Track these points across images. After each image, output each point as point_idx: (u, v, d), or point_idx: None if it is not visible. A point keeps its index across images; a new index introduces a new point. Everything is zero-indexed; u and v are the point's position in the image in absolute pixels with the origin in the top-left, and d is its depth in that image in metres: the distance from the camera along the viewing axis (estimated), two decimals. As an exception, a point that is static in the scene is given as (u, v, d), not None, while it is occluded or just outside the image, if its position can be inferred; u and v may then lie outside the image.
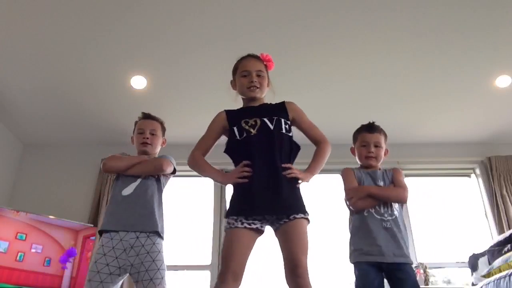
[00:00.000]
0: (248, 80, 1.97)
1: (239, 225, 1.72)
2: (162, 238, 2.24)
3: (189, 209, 4.29)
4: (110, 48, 3.24)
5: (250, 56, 2.05)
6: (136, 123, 2.56)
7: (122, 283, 2.30)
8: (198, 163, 1.96)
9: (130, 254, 2.13)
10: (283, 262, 1.69)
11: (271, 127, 1.85)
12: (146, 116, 2.54)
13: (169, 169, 2.37)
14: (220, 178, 1.91)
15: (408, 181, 4.43)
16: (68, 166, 4.30)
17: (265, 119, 1.87)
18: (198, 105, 3.86)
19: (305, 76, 3.52)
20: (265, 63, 2.05)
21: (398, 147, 4.26)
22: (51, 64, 3.38)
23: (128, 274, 2.19)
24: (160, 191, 2.36)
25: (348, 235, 2.28)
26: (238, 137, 1.87)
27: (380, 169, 2.39)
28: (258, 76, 1.98)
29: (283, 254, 1.70)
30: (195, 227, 4.18)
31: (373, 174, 2.33)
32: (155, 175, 2.36)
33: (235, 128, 1.90)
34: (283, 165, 1.78)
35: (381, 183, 2.30)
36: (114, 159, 2.36)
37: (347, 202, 2.30)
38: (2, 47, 3.18)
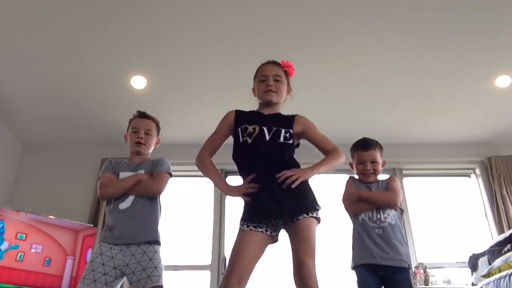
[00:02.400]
0: (265, 84, 1.98)
1: (252, 228, 1.76)
2: (159, 245, 2.22)
3: (189, 209, 4.29)
4: (110, 48, 3.24)
5: (269, 62, 2.07)
6: (130, 121, 2.48)
7: (122, 284, 2.27)
8: (205, 166, 1.96)
9: (126, 254, 2.12)
10: (292, 261, 1.71)
11: (267, 137, 1.86)
12: (142, 115, 2.47)
13: (166, 186, 2.32)
14: (225, 189, 1.92)
15: (408, 181, 4.46)
16: (68, 166, 4.30)
17: (264, 128, 1.88)
18: (198, 105, 3.86)
19: (306, 76, 3.51)
20: (285, 69, 2.06)
21: (398, 147, 4.27)
22: (51, 64, 3.38)
23: (125, 277, 2.16)
24: (156, 198, 2.31)
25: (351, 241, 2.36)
26: (240, 140, 1.89)
27: (378, 181, 2.45)
28: (276, 80, 1.99)
29: (292, 254, 1.72)
30: (195, 227, 4.19)
31: (370, 186, 2.41)
32: None
33: (239, 130, 1.91)
34: (277, 176, 1.77)
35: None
36: (109, 188, 2.25)
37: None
38: (2, 47, 3.18)
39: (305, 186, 1.82)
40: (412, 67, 3.48)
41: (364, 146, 2.44)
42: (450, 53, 3.32)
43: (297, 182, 1.76)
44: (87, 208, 4.02)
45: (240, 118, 1.97)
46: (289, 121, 1.96)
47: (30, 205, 3.79)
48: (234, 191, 1.87)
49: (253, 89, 2.09)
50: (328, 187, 4.05)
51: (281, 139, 1.86)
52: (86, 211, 4.00)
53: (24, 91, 3.66)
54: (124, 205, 2.21)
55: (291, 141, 1.89)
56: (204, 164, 1.96)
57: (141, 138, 2.39)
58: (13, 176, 4.21)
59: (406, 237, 2.35)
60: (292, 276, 1.67)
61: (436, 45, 3.25)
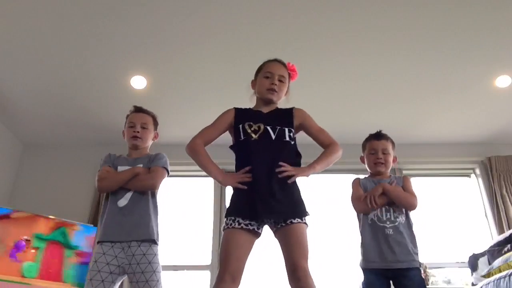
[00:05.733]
0: (269, 82, 2.00)
1: (236, 226, 1.75)
2: (157, 244, 2.23)
3: (189, 209, 4.29)
4: (110, 48, 3.24)
5: (276, 61, 2.09)
6: (127, 116, 2.51)
7: (122, 283, 2.28)
8: (198, 152, 1.92)
9: (128, 253, 2.15)
10: (284, 265, 1.71)
11: (273, 136, 1.88)
12: (138, 110, 2.50)
13: (162, 182, 2.34)
14: (220, 177, 1.89)
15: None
16: (68, 166, 4.29)
17: (269, 128, 1.89)
18: (198, 105, 3.86)
19: (305, 76, 3.49)
20: (289, 71, 2.08)
21: (398, 147, 4.22)
22: (51, 64, 3.38)
23: (126, 275, 2.19)
24: (154, 195, 2.34)
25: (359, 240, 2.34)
26: (241, 137, 1.90)
27: (390, 176, 2.44)
28: (280, 81, 2.01)
29: (284, 257, 1.72)
30: (195, 227, 4.18)
31: (379, 182, 2.36)
32: None
33: (240, 127, 1.92)
34: (279, 163, 1.80)
35: None
36: (106, 180, 2.28)
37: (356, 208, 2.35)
38: (2, 48, 3.18)
39: (299, 191, 1.85)
40: (412, 66, 3.47)
41: (377, 136, 2.49)
42: (450, 52, 3.32)
43: (293, 178, 1.80)
44: (87, 208, 4.01)
45: (241, 115, 1.98)
46: (288, 116, 1.99)
47: (29, 205, 3.78)
48: (229, 179, 1.85)
49: (252, 82, 2.11)
50: (335, 187, 4.08)
51: (286, 138, 1.89)
52: (86, 211, 3.99)
53: (24, 91, 3.66)
54: (123, 201, 2.23)
55: (293, 142, 1.92)
56: (197, 150, 1.91)
57: (137, 132, 2.40)
58: (12, 176, 4.21)
59: (414, 240, 2.31)
60: (288, 280, 1.67)
61: (435, 44, 3.25)
